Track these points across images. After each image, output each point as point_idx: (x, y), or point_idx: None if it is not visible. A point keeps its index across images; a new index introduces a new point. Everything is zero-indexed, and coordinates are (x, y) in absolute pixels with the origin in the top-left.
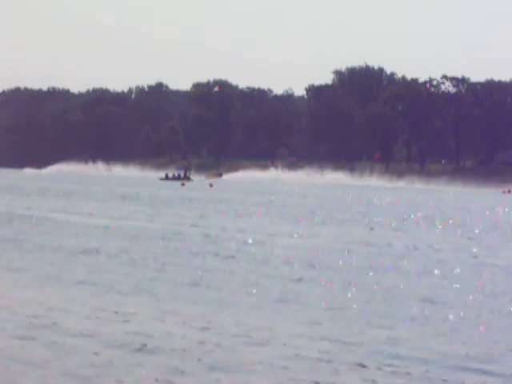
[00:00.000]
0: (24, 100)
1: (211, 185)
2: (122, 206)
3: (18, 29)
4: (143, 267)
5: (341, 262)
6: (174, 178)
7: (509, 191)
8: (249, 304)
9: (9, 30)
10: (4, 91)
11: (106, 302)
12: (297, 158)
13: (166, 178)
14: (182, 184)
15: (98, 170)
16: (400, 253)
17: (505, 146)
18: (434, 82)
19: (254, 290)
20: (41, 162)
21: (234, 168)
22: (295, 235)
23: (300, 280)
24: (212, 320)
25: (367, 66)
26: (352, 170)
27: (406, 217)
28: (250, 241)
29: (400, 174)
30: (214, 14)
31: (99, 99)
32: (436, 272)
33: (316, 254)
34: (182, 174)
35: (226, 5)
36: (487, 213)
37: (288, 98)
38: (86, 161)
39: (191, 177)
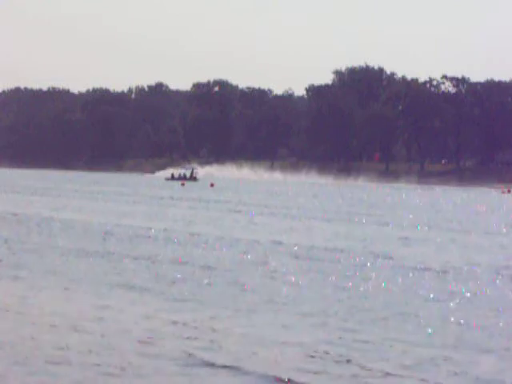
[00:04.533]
0: (24, 100)
1: (212, 185)
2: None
3: (18, 29)
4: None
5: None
6: (180, 178)
7: (508, 191)
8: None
9: (9, 30)
10: (4, 91)
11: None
12: (297, 158)
13: (172, 178)
14: (182, 184)
15: None
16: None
17: (505, 146)
18: (434, 82)
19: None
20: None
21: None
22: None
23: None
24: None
25: (367, 66)
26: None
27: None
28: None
29: (400, 173)
30: (214, 14)
31: (99, 99)
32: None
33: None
34: (189, 174)
35: (226, 5)
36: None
37: (288, 98)
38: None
39: (197, 177)
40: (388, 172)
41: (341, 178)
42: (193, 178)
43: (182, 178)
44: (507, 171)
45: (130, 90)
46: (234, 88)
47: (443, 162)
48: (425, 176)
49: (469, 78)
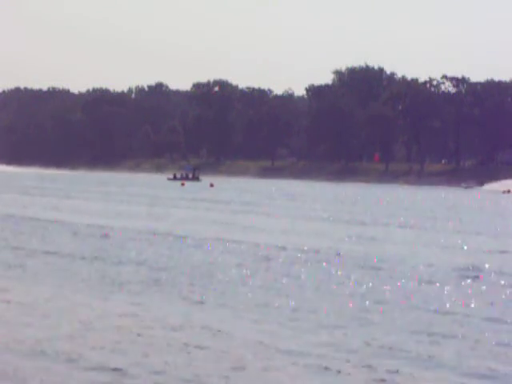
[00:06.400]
0: (24, 100)
1: (212, 185)
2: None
3: (18, 29)
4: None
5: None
6: (183, 178)
7: (508, 191)
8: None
9: (9, 30)
10: (4, 91)
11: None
12: (297, 158)
13: (174, 178)
14: (182, 184)
15: None
16: None
17: (505, 145)
18: (434, 82)
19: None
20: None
21: (233, 168)
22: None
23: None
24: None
25: (367, 66)
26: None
27: None
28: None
29: (400, 174)
30: (214, 14)
31: (99, 99)
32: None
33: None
34: (191, 175)
35: (225, 5)
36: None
37: (288, 98)
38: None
39: (200, 177)
40: (388, 172)
41: (340, 179)
42: (195, 178)
43: (184, 177)
44: (507, 171)
45: (130, 90)
46: (234, 88)
47: (443, 161)
48: (425, 176)
49: (469, 78)
